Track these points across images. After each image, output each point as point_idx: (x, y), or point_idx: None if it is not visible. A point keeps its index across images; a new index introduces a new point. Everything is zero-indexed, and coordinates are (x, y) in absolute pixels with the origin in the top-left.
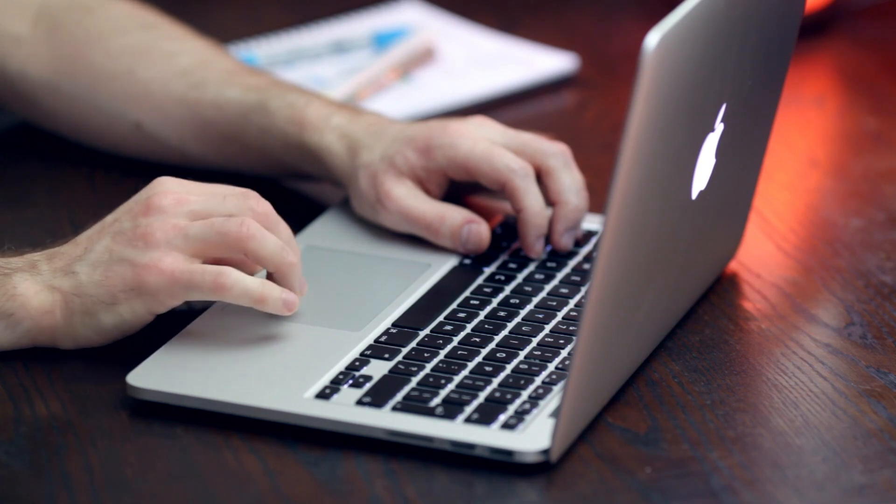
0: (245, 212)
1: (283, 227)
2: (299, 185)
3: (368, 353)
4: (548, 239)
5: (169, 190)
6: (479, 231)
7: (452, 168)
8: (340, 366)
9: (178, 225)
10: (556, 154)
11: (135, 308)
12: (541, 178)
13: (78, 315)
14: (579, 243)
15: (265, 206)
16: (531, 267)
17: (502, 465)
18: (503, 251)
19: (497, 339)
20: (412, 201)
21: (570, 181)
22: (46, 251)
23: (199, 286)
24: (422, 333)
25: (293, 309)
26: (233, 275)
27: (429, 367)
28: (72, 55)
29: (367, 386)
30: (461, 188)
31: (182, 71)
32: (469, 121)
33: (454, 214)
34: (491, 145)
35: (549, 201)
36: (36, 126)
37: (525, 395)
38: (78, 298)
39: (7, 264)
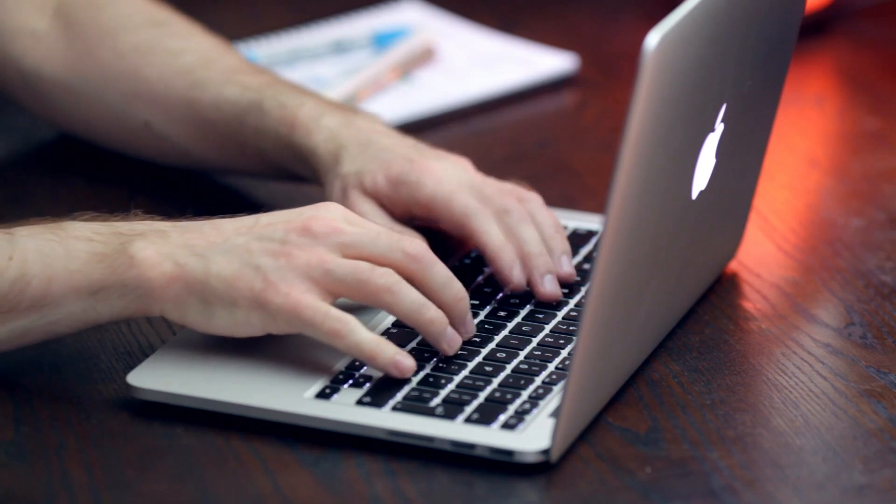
0: (395, 252)
1: (437, 272)
2: (299, 188)
3: None
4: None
5: (329, 217)
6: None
7: (415, 207)
8: (340, 366)
9: (323, 257)
10: (512, 210)
11: (251, 319)
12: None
13: (195, 299)
14: (579, 243)
15: (417, 249)
16: None
17: (502, 465)
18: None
19: (497, 339)
20: (375, 220)
21: (530, 234)
22: (180, 223)
23: (318, 327)
24: None
25: (406, 373)
26: (350, 324)
27: (429, 367)
28: (83, 52)
29: (367, 386)
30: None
31: (185, 69)
32: (445, 160)
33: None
34: (454, 188)
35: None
36: (46, 124)
37: (525, 395)
38: (200, 285)
39: (131, 229)
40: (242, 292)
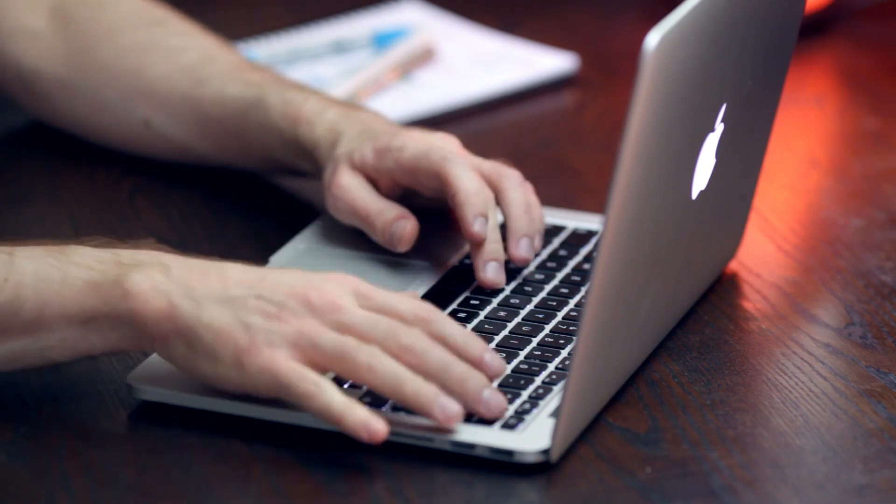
0: (390, 343)
1: (433, 357)
2: (299, 186)
3: None
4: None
5: (333, 291)
6: (405, 226)
7: (399, 172)
8: None
9: (316, 331)
10: (511, 176)
11: (230, 376)
12: (496, 198)
13: (181, 342)
14: (579, 243)
15: (411, 340)
16: (531, 267)
17: (502, 465)
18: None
19: (497, 339)
20: (357, 192)
21: (518, 196)
22: (189, 260)
23: (292, 389)
24: None
25: (376, 438)
26: (323, 386)
27: None
28: (82, 51)
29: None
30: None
31: (187, 67)
32: (432, 133)
33: (391, 210)
34: (431, 146)
35: (504, 216)
36: (46, 124)
37: (525, 395)
38: (188, 330)
39: (133, 259)
40: (227, 347)
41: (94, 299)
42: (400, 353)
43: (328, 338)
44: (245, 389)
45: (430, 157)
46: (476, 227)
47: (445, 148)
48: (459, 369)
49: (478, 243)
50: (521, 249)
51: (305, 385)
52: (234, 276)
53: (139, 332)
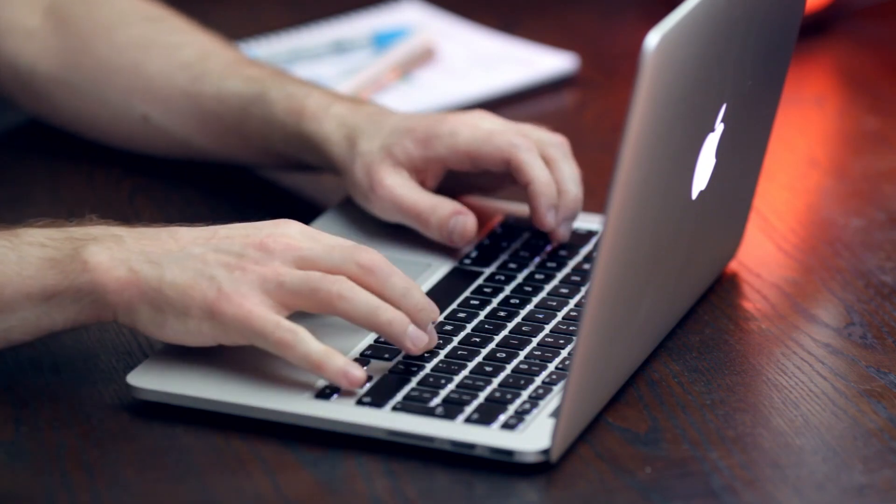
0: (349, 264)
1: (395, 282)
2: (300, 185)
3: (368, 353)
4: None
5: (286, 234)
6: (466, 222)
7: (454, 158)
8: None
9: (278, 270)
10: (557, 144)
11: (202, 328)
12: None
13: (147, 306)
14: (579, 243)
15: (372, 260)
16: (531, 267)
17: (502, 465)
18: (503, 251)
19: (497, 339)
20: (404, 191)
21: (569, 171)
22: (136, 228)
23: (267, 337)
24: None
25: (355, 384)
26: (300, 334)
27: (429, 367)
28: (79, 48)
29: (367, 386)
30: (457, 187)
31: (185, 63)
32: (469, 113)
33: (445, 205)
34: (490, 130)
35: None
36: (44, 123)
37: (525, 395)
38: (153, 292)
39: (85, 234)
40: (195, 301)
41: (54, 275)
42: (361, 276)
43: (293, 276)
44: (218, 341)
45: (497, 144)
46: (549, 217)
47: (507, 133)
48: (418, 295)
49: (548, 232)
50: (562, 230)
51: (281, 333)
52: (186, 236)
53: (102, 303)
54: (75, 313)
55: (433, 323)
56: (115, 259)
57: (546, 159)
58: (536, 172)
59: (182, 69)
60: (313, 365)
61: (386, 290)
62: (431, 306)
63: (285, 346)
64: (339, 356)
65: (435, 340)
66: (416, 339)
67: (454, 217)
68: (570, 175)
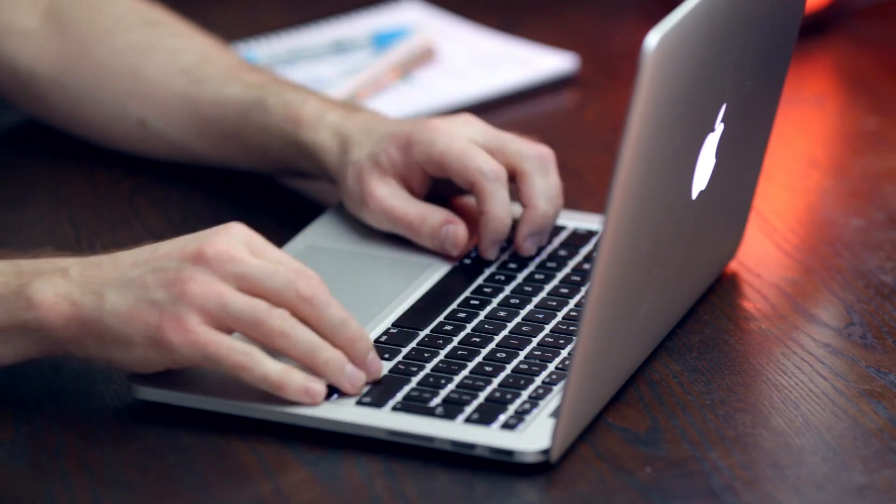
0: (289, 293)
1: (331, 314)
2: (299, 185)
3: None
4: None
5: (226, 242)
6: (456, 231)
7: (429, 165)
8: None
9: (220, 291)
10: (534, 157)
11: (149, 356)
12: (515, 180)
13: (92, 339)
14: (579, 243)
15: (311, 290)
16: (531, 267)
17: (502, 465)
18: (503, 251)
19: (497, 339)
20: (394, 201)
21: (542, 186)
22: (86, 259)
23: (222, 361)
24: (422, 333)
25: (316, 399)
26: (255, 356)
27: (429, 367)
28: (77, 51)
29: (367, 386)
30: (448, 190)
31: (184, 68)
32: (453, 119)
33: (434, 215)
34: (467, 144)
35: (521, 204)
36: (42, 124)
37: (525, 395)
38: (95, 324)
39: (34, 269)
40: (138, 329)
41: (0, 311)
42: (299, 305)
43: (237, 301)
44: (167, 366)
45: (465, 163)
46: (489, 252)
47: (478, 155)
48: (354, 326)
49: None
50: (526, 244)
51: (236, 356)
52: (126, 259)
53: (48, 339)
54: (25, 349)
55: (372, 352)
56: (59, 294)
57: (519, 173)
58: (492, 206)
59: (181, 74)
60: (274, 386)
61: (321, 321)
62: (367, 337)
63: (241, 368)
64: (297, 373)
65: (378, 370)
66: (354, 378)
67: (444, 227)
68: (542, 190)
